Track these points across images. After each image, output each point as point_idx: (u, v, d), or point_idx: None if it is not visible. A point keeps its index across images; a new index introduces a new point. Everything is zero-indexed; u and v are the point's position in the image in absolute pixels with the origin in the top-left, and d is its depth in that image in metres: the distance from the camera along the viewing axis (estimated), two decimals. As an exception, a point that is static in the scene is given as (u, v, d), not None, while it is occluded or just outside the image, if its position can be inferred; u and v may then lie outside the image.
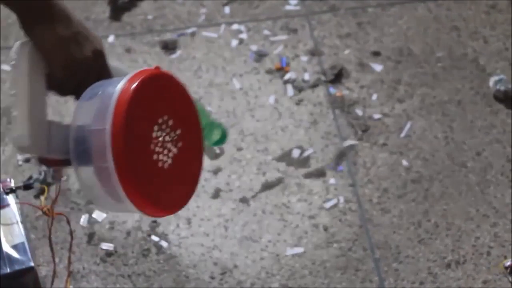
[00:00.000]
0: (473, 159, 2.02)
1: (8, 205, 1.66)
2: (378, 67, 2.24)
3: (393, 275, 1.81)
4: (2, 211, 1.65)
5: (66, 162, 1.17)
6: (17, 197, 1.68)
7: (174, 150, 1.17)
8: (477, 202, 1.93)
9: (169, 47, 2.29)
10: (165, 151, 1.15)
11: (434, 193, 1.95)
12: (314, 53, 2.27)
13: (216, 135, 1.45)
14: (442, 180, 1.97)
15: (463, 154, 2.03)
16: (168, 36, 2.33)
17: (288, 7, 2.37)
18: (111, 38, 2.31)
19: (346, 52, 2.27)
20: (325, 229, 1.89)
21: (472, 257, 1.84)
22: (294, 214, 1.92)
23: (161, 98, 1.13)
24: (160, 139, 1.13)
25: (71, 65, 1.14)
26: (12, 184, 1.69)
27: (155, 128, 1.12)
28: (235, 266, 1.83)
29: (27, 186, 1.71)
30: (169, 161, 1.16)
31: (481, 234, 1.88)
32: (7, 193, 1.67)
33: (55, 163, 1.20)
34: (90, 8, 2.40)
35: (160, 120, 1.12)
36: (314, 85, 2.19)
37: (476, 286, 1.79)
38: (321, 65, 2.24)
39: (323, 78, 2.21)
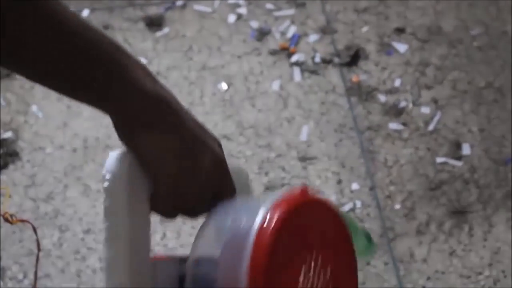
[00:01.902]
0: (514, 157, 2.03)
1: (-37, 210, 1.66)
2: (402, 47, 2.25)
3: (419, 293, 1.82)
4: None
5: None
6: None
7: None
8: (519, 208, 1.95)
9: (154, 23, 2.29)
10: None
11: (468, 196, 1.96)
12: (325, 30, 2.28)
13: (360, 245, 1.37)
14: (477, 180, 1.98)
15: (502, 150, 2.04)
16: (153, 10, 2.34)
17: (295, -24, 2.39)
18: (85, 13, 2.31)
19: (364, 29, 2.29)
20: (339, 239, 1.89)
21: (513, 273, 1.85)
22: (302, 221, 1.92)
23: (309, 233, 1.05)
24: (309, 285, 1.04)
25: (183, 181, 1.02)
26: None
27: (302, 272, 1.04)
28: (233, 283, 1.83)
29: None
30: None
31: (524, 245, 1.89)
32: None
33: None
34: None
35: (307, 261, 1.04)
36: (325, 69, 2.20)
37: (518, 307, 1.81)
38: (334, 45, 2.25)
39: (336, 60, 2.22)
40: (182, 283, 1.01)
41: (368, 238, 1.38)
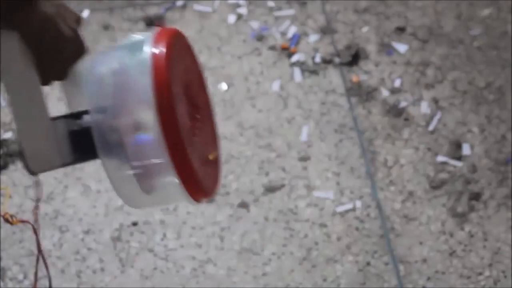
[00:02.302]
0: (514, 157, 2.03)
1: (-37, 211, 1.67)
2: (402, 48, 2.25)
3: (419, 294, 1.82)
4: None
5: (67, 164, 1.12)
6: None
7: (199, 117, 1.17)
8: (519, 208, 1.95)
9: (154, 23, 2.30)
10: (195, 122, 1.16)
11: (468, 196, 1.96)
12: (326, 31, 2.28)
13: None
14: (478, 181, 1.98)
15: (502, 150, 2.04)
16: (153, 11, 2.34)
17: (295, -23, 2.39)
18: (85, 13, 2.32)
19: (364, 29, 2.29)
20: (339, 239, 1.91)
21: (513, 273, 1.85)
22: (302, 221, 1.93)
23: (183, 62, 1.14)
24: (189, 107, 1.14)
25: (61, 43, 1.15)
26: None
27: (184, 97, 1.12)
28: (233, 283, 1.84)
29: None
30: (198, 131, 1.16)
31: (524, 245, 1.89)
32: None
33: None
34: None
35: (185, 85, 1.13)
36: (326, 69, 2.20)
37: (518, 307, 1.81)
38: (335, 45, 2.25)
39: (337, 60, 2.22)
40: (74, 138, 1.12)
41: None
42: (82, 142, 1.09)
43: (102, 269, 1.86)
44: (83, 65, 1.13)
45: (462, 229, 1.92)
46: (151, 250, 1.89)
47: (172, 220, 1.93)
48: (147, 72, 1.03)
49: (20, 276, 1.84)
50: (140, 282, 1.84)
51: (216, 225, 1.93)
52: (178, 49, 1.10)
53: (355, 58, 2.22)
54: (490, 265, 1.86)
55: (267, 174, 2.01)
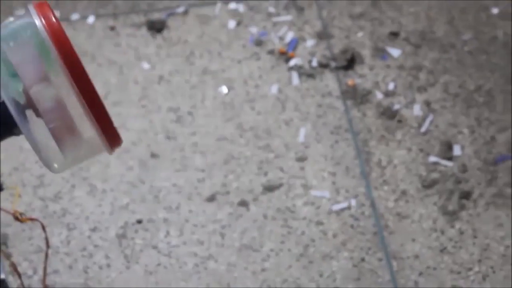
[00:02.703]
0: (502, 158, 2.05)
1: (-25, 209, 1.69)
2: (395, 52, 2.26)
3: (412, 288, 1.85)
4: (-31, 216, 1.68)
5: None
6: (-15, 201, 1.71)
7: None
8: (507, 206, 1.97)
9: (157, 28, 2.30)
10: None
11: (458, 195, 1.99)
12: (322, 36, 2.29)
13: None
14: (468, 180, 2.01)
15: (492, 150, 2.06)
16: (155, 16, 2.34)
17: (293, -17, 2.39)
18: (91, 19, 2.33)
19: (359, 34, 2.29)
20: (335, 236, 1.93)
21: (501, 268, 1.87)
22: (299, 219, 1.95)
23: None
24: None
25: None
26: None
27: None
28: (233, 279, 1.86)
29: (-3, 188, 1.74)
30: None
31: (512, 242, 1.92)
32: (-26, 196, 1.71)
33: None
34: (66, -16, 2.41)
35: None
36: (322, 73, 2.21)
37: (506, 301, 1.83)
38: (331, 50, 2.25)
39: (333, 64, 2.23)
40: None
41: None
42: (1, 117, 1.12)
43: (108, 265, 1.88)
44: None
45: (453, 226, 1.94)
46: (155, 247, 1.91)
47: (175, 218, 1.95)
48: (40, 32, 1.08)
49: (30, 272, 1.86)
50: (144, 277, 1.86)
51: (217, 223, 1.95)
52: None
53: (350, 62, 2.22)
54: (480, 261, 1.88)
55: (265, 174, 2.03)
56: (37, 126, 1.11)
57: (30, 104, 1.10)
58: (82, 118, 1.10)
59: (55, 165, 1.18)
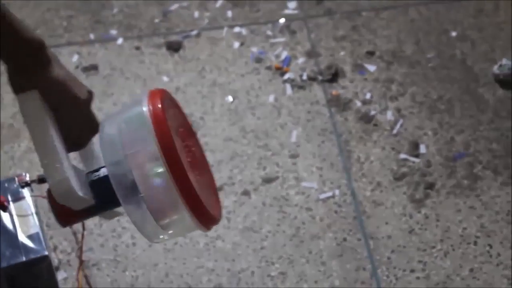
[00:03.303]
0: (460, 155, 2.03)
1: (23, 197, 1.67)
2: (372, 68, 2.24)
3: (385, 263, 1.82)
4: (18, 203, 1.67)
5: (92, 211, 1.09)
6: (32, 190, 1.69)
7: (194, 160, 1.11)
8: (464, 195, 1.95)
9: (174, 48, 2.29)
10: (192, 162, 1.09)
11: (424, 186, 1.97)
12: (311, 54, 2.27)
13: None
14: (432, 174, 1.99)
15: (451, 149, 2.05)
16: (173, 38, 2.32)
17: (286, 11, 2.38)
18: (120, 40, 2.31)
19: (342, 53, 2.28)
20: (322, 220, 1.91)
21: (459, 247, 1.85)
22: (292, 206, 1.93)
23: (173, 112, 1.09)
24: (185, 151, 1.08)
25: (79, 108, 1.05)
26: (27, 178, 1.70)
27: (180, 140, 1.07)
28: (237, 255, 1.84)
29: (41, 180, 1.73)
30: (197, 171, 1.09)
31: (468, 224, 1.89)
32: (22, 187, 1.68)
33: (81, 215, 1.11)
34: (99, 12, 2.40)
35: (179, 133, 1.08)
36: (311, 85, 2.20)
37: (464, 274, 1.81)
38: (318, 66, 2.24)
39: (320, 77, 2.21)
40: (95, 187, 1.05)
41: None
42: (102, 190, 1.03)
43: (134, 244, 1.86)
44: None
45: (419, 212, 1.92)
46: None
47: (189, 205, 1.93)
48: (147, 124, 0.98)
49: (69, 249, 1.84)
50: (163, 254, 1.84)
51: (224, 209, 1.90)
52: (168, 103, 1.05)
53: (334, 76, 2.21)
54: (442, 240, 1.87)
55: (264, 168, 2.01)
56: (139, 205, 1.02)
57: (133, 188, 0.99)
58: (178, 201, 1.00)
59: (155, 240, 1.09)
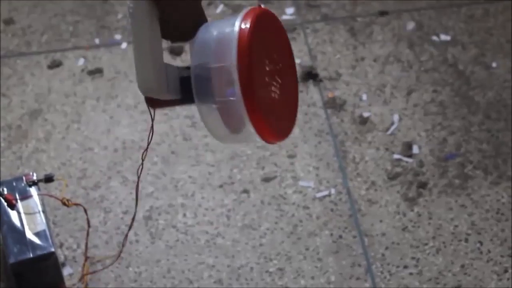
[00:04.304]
0: (452, 156, 2.04)
1: (31, 196, 1.68)
2: (367, 71, 2.24)
3: (380, 260, 1.83)
4: (26, 201, 1.67)
5: (177, 102, 1.19)
6: (39, 189, 1.70)
7: (280, 82, 1.18)
8: (456, 194, 1.96)
9: (176, 52, 2.29)
10: (274, 83, 1.16)
11: (417, 185, 1.97)
12: (308, 58, 2.28)
13: None
14: (424, 173, 1.99)
15: (443, 149, 2.05)
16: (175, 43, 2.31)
17: (284, 17, 2.38)
18: (124, 45, 2.32)
19: (338, 57, 2.29)
20: (318, 218, 1.91)
21: (451, 244, 1.86)
22: (290, 204, 1.94)
23: (269, 34, 1.17)
24: (271, 72, 1.15)
25: (183, 5, 1.12)
26: (35, 177, 1.71)
27: (267, 61, 1.14)
28: (237, 252, 1.85)
29: (48, 179, 1.74)
30: (278, 91, 1.17)
31: (459, 222, 1.90)
32: (30, 185, 1.70)
33: (166, 104, 1.20)
34: (104, 17, 2.41)
35: (270, 54, 1.15)
36: (308, 87, 2.20)
37: (455, 270, 1.81)
38: (315, 69, 2.24)
39: (316, 80, 2.22)
40: (183, 83, 1.14)
41: None
42: (187, 87, 1.12)
43: (137, 241, 1.87)
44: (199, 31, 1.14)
45: (412, 210, 1.93)
46: (174, 226, 1.90)
47: (191, 203, 1.94)
48: (234, 39, 1.06)
49: (74, 246, 1.85)
50: (165, 251, 1.85)
51: (224, 207, 1.94)
52: (263, 23, 1.12)
53: (330, 79, 2.21)
54: (434, 237, 1.87)
55: (263, 168, 2.02)
56: (210, 108, 1.11)
57: (210, 90, 1.10)
58: (244, 116, 1.08)
59: (221, 139, 1.18)
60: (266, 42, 1.15)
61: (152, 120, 1.22)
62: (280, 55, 1.19)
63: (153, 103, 1.19)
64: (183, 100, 1.16)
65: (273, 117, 1.14)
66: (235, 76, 1.07)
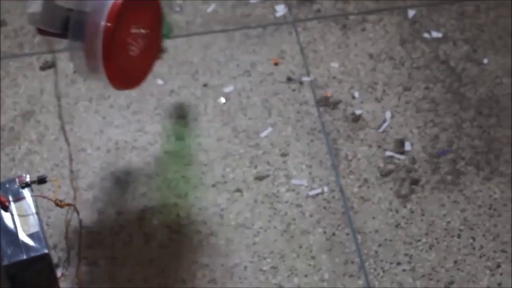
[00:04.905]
0: (444, 152, 2.04)
1: (24, 198, 1.68)
2: (359, 69, 2.24)
3: (373, 256, 1.83)
4: (19, 203, 1.67)
5: (59, 35, 1.51)
6: (32, 190, 1.70)
7: (142, 44, 1.52)
8: (448, 190, 1.95)
9: (168, 51, 2.28)
10: (135, 44, 1.51)
11: (409, 182, 1.97)
12: (300, 56, 2.27)
13: (166, 29, 1.82)
14: (417, 170, 2.00)
15: (435, 146, 2.05)
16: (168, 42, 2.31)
17: (276, 15, 2.38)
18: None
19: (330, 55, 2.28)
20: (311, 216, 1.91)
21: (444, 240, 1.86)
22: (283, 203, 1.94)
23: (142, 6, 1.50)
24: (135, 34, 1.49)
25: None
26: (28, 179, 1.71)
27: (133, 26, 1.48)
28: (231, 251, 1.85)
29: (41, 181, 1.73)
30: (137, 51, 1.52)
31: (452, 218, 1.90)
32: (23, 187, 1.69)
33: (51, 35, 1.52)
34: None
35: (138, 21, 1.49)
36: (300, 86, 2.19)
37: (448, 266, 1.81)
38: (307, 67, 2.24)
39: (308, 79, 2.21)
40: (66, 22, 1.50)
41: (169, 26, 1.87)
42: (67, 26, 1.49)
43: (131, 241, 1.87)
44: None
45: (405, 207, 1.93)
46: (168, 226, 1.89)
47: (184, 203, 1.94)
48: (109, 2, 1.44)
49: (68, 247, 1.84)
50: (159, 250, 1.85)
51: (217, 206, 1.94)
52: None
53: (322, 77, 2.21)
54: (426, 234, 1.87)
55: (256, 167, 2.01)
56: (78, 47, 1.49)
57: (82, 32, 1.47)
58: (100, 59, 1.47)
59: (82, 74, 1.63)
60: (137, 12, 1.48)
61: None
62: (148, 25, 1.55)
63: (41, 32, 1.52)
64: (63, 35, 1.49)
65: (124, 69, 1.49)
66: (101, 30, 1.40)
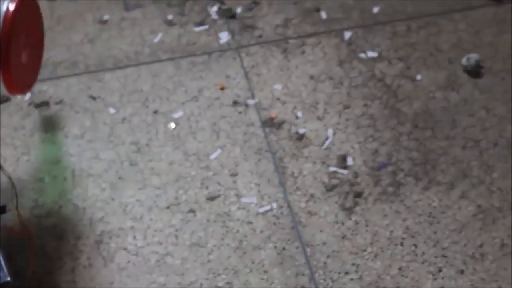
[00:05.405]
0: (384, 165, 2.09)
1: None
2: (301, 90, 2.27)
3: (322, 268, 1.87)
4: (-20, 234, 1.67)
5: None
6: (-8, 221, 1.70)
7: (30, 52, 1.59)
8: (390, 201, 2.00)
9: (119, 82, 2.30)
10: (25, 52, 1.57)
11: (353, 195, 2.01)
12: (245, 80, 2.30)
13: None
14: (360, 183, 2.04)
15: (376, 160, 2.09)
16: (117, 73, 2.33)
17: (220, 42, 2.40)
18: (67, 78, 2.31)
19: (273, 78, 2.31)
20: (262, 232, 1.94)
21: (388, 248, 1.90)
22: (234, 221, 1.96)
23: (28, 15, 1.57)
24: (25, 43, 1.54)
25: None
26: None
27: (23, 35, 1.54)
28: (186, 269, 1.87)
29: (1, 210, 1.74)
30: (27, 58, 1.58)
31: (395, 227, 1.95)
32: (-17, 218, 1.69)
33: None
34: (48, 51, 2.40)
35: (26, 31, 1.55)
36: (246, 108, 2.22)
37: (393, 273, 1.86)
38: (252, 91, 2.27)
39: (253, 101, 2.24)
40: None
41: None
42: None
43: (90, 265, 1.88)
44: None
45: (350, 219, 1.97)
46: (125, 249, 1.91)
47: (140, 226, 1.95)
48: (2, 14, 1.49)
49: (29, 274, 1.83)
50: (118, 272, 1.86)
51: (172, 227, 1.96)
52: (26, 7, 1.55)
53: (267, 99, 2.23)
54: (371, 243, 1.92)
55: (207, 187, 2.04)
56: None
57: None
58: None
59: None
60: (25, 22, 1.54)
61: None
62: (33, 33, 1.63)
63: None
64: None
65: (19, 76, 1.53)
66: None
